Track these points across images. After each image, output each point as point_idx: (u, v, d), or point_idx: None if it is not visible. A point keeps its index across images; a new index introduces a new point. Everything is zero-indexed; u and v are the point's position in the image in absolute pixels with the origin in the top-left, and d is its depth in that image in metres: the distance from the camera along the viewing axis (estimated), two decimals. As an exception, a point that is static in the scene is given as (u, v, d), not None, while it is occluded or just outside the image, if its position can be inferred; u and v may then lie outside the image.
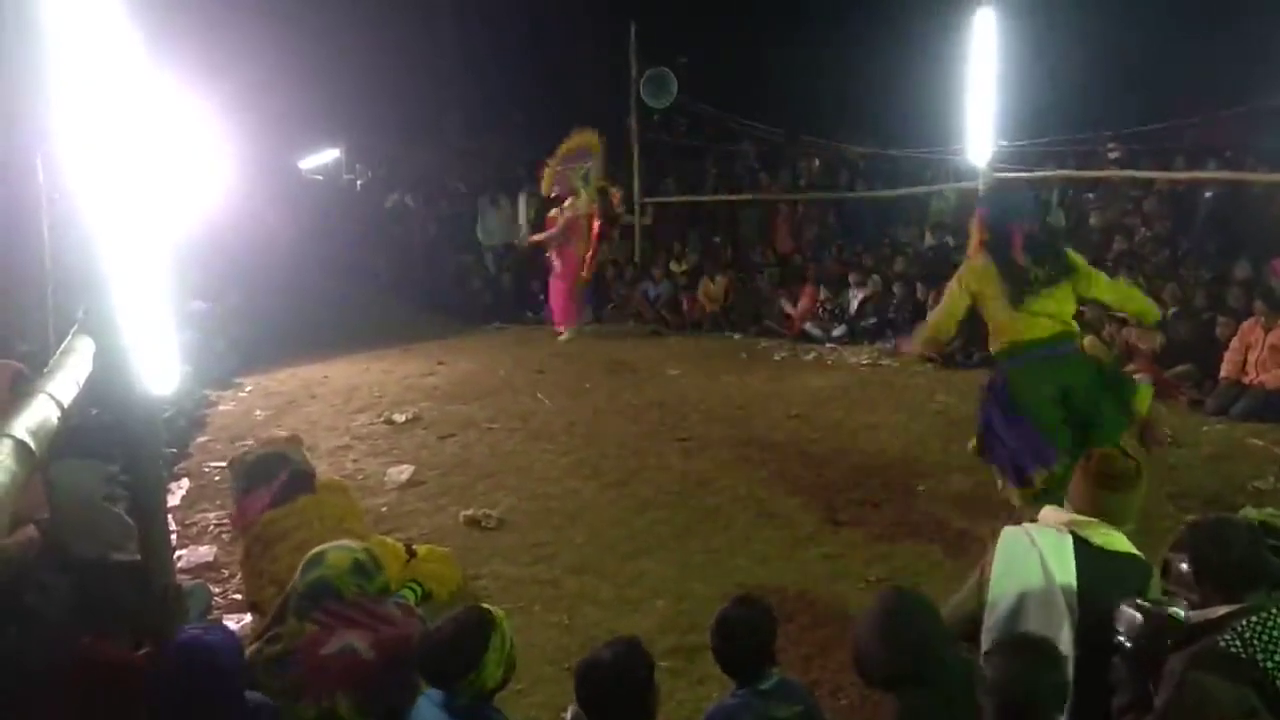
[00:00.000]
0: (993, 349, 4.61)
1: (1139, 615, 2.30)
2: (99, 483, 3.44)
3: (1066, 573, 2.46)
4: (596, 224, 10.53)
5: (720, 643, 2.64)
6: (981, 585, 2.59)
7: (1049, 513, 2.71)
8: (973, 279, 4.53)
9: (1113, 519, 2.60)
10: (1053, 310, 4.37)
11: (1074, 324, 4.50)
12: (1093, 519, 2.59)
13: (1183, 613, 2.28)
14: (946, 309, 4.66)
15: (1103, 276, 4.60)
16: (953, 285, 4.64)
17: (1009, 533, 2.63)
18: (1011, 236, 4.42)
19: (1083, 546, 2.51)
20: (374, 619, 3.00)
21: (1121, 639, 2.32)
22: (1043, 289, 4.36)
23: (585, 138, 10.50)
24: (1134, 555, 2.57)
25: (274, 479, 4.30)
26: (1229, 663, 2.15)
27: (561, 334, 10.67)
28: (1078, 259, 4.50)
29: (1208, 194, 9.63)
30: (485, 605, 2.84)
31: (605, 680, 2.41)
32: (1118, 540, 2.56)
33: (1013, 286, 4.38)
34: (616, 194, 10.77)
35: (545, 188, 10.59)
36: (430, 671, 2.60)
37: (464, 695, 2.54)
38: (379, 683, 2.83)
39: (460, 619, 2.64)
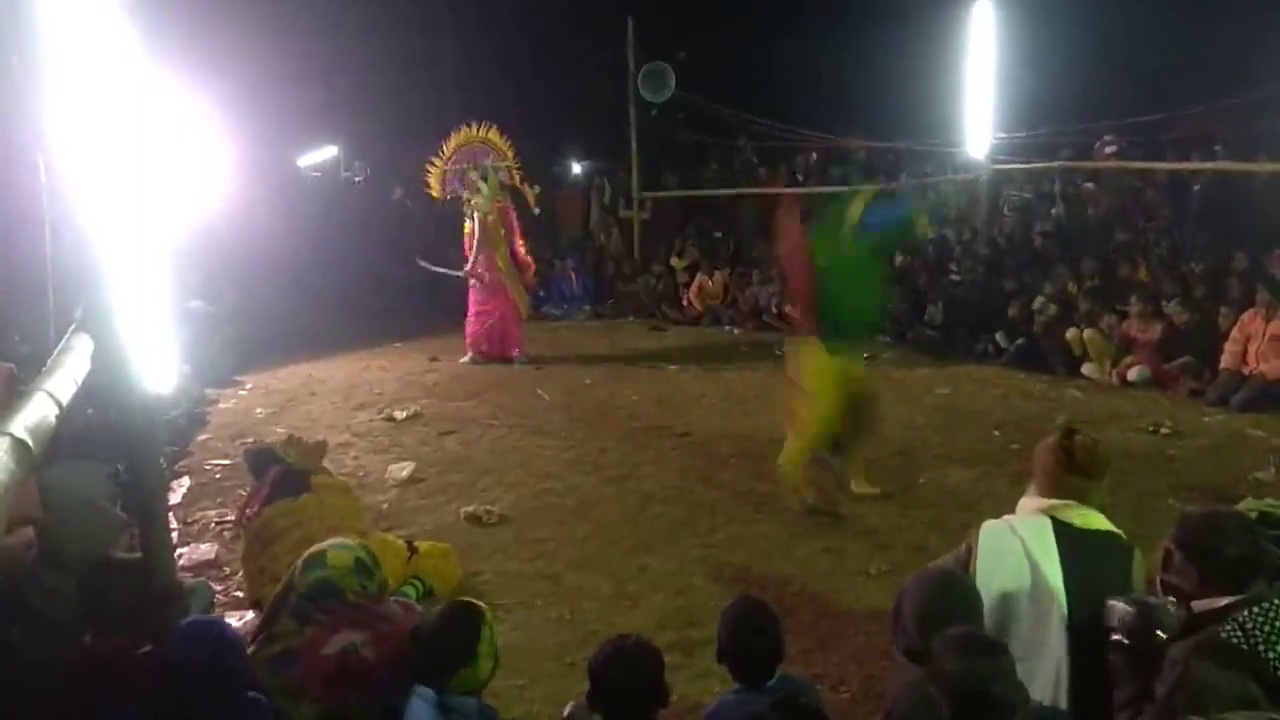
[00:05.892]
0: None
1: (1131, 608, 2.31)
2: (96, 482, 3.43)
3: (1050, 558, 2.48)
4: (510, 218, 9.33)
5: (732, 646, 2.63)
6: (965, 567, 2.60)
7: (1025, 501, 2.72)
8: None
9: (1087, 503, 2.62)
10: None
11: None
12: (1069, 501, 2.60)
13: (1173, 609, 2.29)
14: None
15: None
16: None
17: (990, 525, 2.65)
18: None
19: (1063, 529, 2.53)
20: (375, 618, 2.99)
21: (1116, 635, 2.32)
22: None
23: (480, 135, 9.47)
24: (1114, 533, 2.59)
25: (264, 474, 4.31)
26: (1230, 653, 2.15)
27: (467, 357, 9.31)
28: None
29: (1195, 186, 9.60)
30: (470, 600, 2.86)
31: (620, 676, 2.41)
32: (1096, 519, 2.58)
33: None
34: (531, 193, 9.54)
35: (434, 190, 9.52)
36: (425, 667, 2.60)
37: (457, 690, 2.55)
38: (380, 681, 2.83)
39: (449, 614, 2.68)
